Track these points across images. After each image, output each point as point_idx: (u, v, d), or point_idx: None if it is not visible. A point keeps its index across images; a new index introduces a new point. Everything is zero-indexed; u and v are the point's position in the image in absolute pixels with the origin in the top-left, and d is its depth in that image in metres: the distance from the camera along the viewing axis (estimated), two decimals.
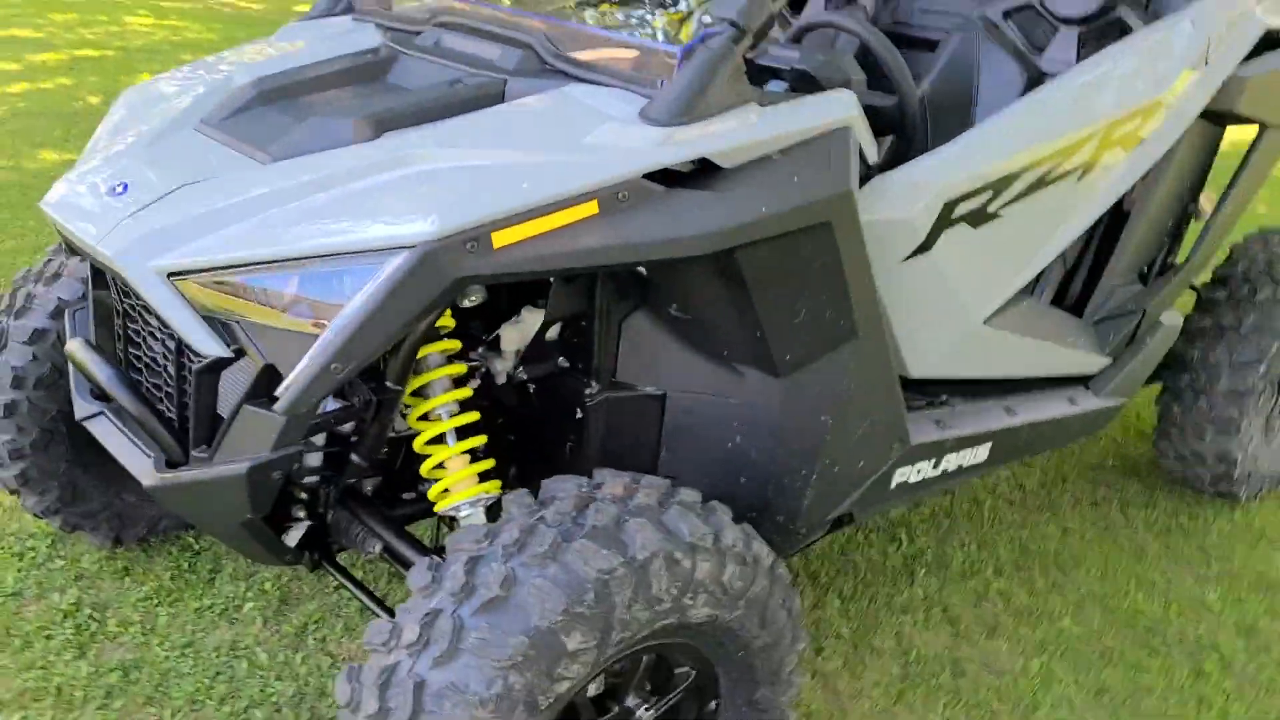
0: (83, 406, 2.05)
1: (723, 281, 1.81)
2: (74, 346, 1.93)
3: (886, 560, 2.91)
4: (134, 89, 2.22)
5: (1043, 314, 2.52)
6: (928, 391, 2.37)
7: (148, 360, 1.92)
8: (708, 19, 1.96)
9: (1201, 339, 3.10)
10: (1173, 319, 2.82)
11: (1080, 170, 2.23)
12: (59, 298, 2.34)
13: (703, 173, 1.71)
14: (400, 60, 2.12)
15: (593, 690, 1.71)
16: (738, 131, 1.71)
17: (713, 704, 1.84)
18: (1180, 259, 2.82)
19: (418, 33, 2.19)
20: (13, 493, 2.51)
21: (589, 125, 1.70)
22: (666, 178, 1.69)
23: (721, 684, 1.83)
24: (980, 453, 2.39)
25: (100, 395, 2.00)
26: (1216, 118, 2.57)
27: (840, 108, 1.83)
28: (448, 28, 2.15)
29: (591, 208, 1.61)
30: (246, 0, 11.88)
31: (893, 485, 2.22)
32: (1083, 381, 2.67)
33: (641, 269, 1.89)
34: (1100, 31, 2.64)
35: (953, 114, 2.78)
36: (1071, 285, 2.68)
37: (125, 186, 1.78)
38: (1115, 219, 2.63)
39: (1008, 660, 2.58)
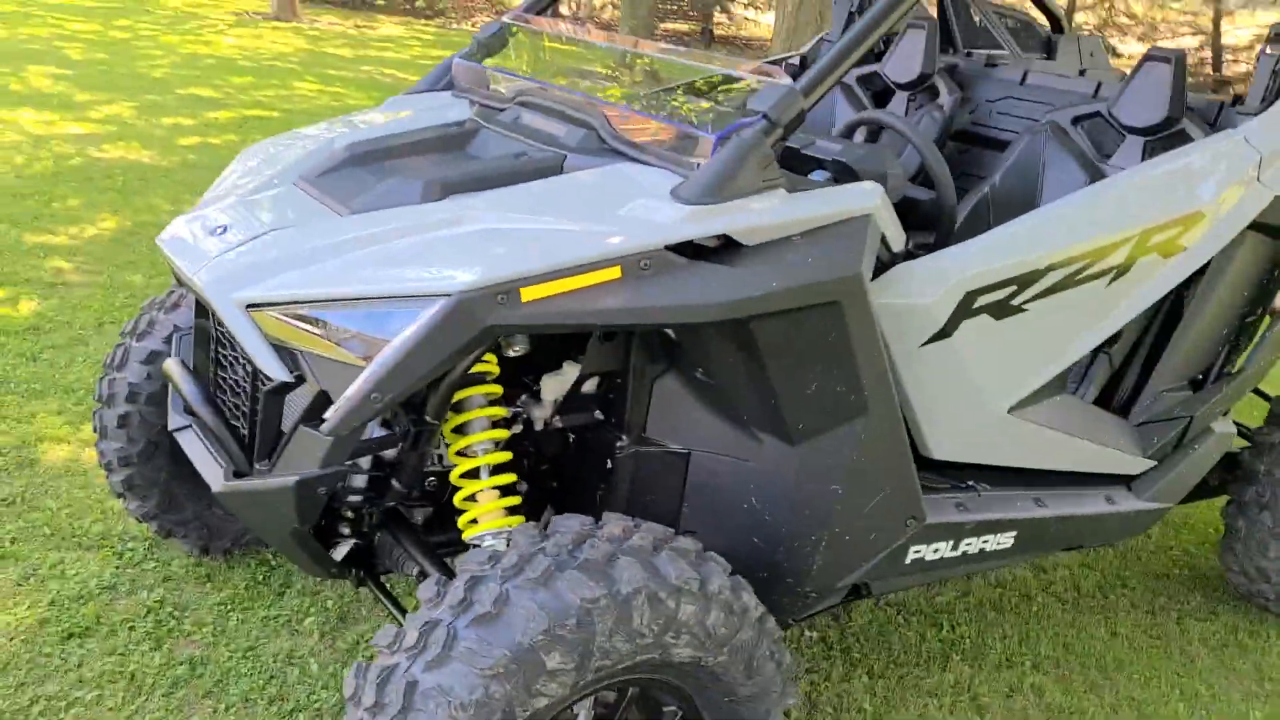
0: (175, 420, 2.31)
1: (740, 350, 1.95)
2: (170, 365, 2.21)
3: (924, 643, 2.95)
4: (253, 146, 2.53)
5: (1079, 410, 2.57)
6: (957, 476, 2.45)
7: (231, 383, 2.17)
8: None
9: (1270, 453, 3.08)
10: (1225, 427, 2.81)
11: (1114, 273, 2.31)
12: (175, 324, 2.64)
13: (726, 248, 1.88)
14: (481, 133, 2.36)
15: (584, 719, 1.84)
16: (760, 214, 1.87)
17: None
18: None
19: (502, 109, 2.43)
20: (118, 496, 2.80)
21: (625, 199, 1.90)
22: (695, 250, 1.86)
23: None
24: (1004, 540, 2.44)
25: (190, 411, 2.26)
26: (1276, 232, 2.60)
27: (862, 198, 1.97)
28: (527, 106, 2.38)
29: (615, 272, 1.79)
30: (405, 72, 12.68)
31: (908, 560, 2.30)
32: (1125, 482, 2.69)
33: (670, 333, 2.06)
34: (1166, 142, 2.71)
35: (1016, 210, 2.86)
36: (1121, 386, 2.72)
37: (224, 228, 2.04)
38: (1167, 323, 2.67)
39: None
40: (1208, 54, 21.70)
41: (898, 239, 2.08)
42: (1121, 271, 2.33)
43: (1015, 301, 2.21)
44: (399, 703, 1.61)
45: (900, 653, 2.90)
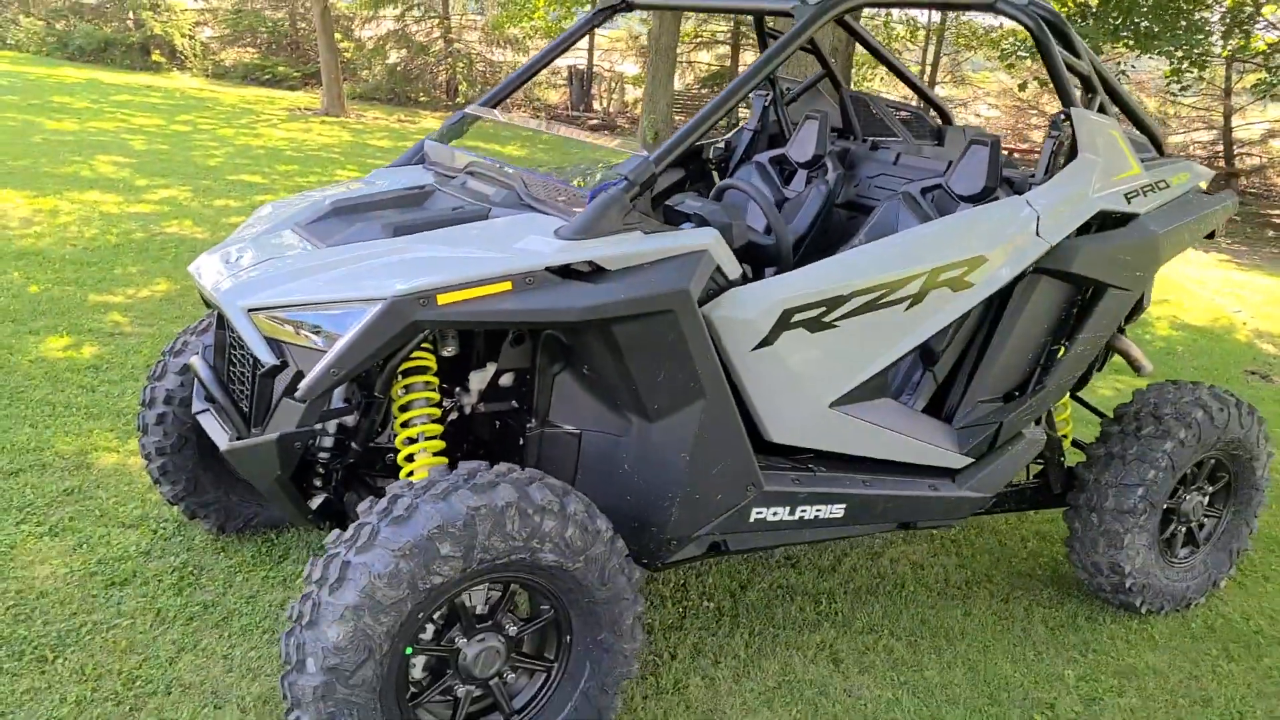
0: (197, 405, 3.06)
1: (610, 349, 2.67)
2: (194, 361, 2.98)
3: (802, 614, 3.58)
4: (267, 204, 3.31)
5: (902, 412, 3.24)
6: (803, 461, 3.12)
7: (238, 372, 2.92)
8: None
9: (1097, 464, 3.71)
10: (1035, 434, 3.46)
11: (910, 300, 3.00)
12: (205, 344, 3.41)
13: (597, 272, 2.61)
14: (435, 194, 3.13)
15: (480, 608, 2.52)
16: (617, 247, 2.60)
17: (568, 638, 2.61)
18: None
19: (453, 177, 3.21)
20: (155, 482, 3.54)
21: (522, 236, 2.64)
22: (570, 272, 2.59)
23: (574, 623, 2.60)
24: (836, 510, 3.10)
25: (209, 397, 3.01)
26: (1062, 276, 3.28)
27: (698, 239, 2.70)
28: (471, 174, 3.16)
29: (506, 285, 2.52)
30: None
31: (751, 519, 2.97)
32: (950, 475, 3.34)
33: (563, 338, 2.78)
34: None
35: None
36: (948, 398, 3.39)
37: (236, 258, 2.81)
38: (982, 348, 3.35)
39: (868, 691, 3.21)
40: (1221, 147, 22.38)
41: (733, 270, 2.80)
42: (917, 300, 3.02)
43: (826, 319, 2.91)
44: (336, 575, 2.31)
45: (780, 620, 3.54)
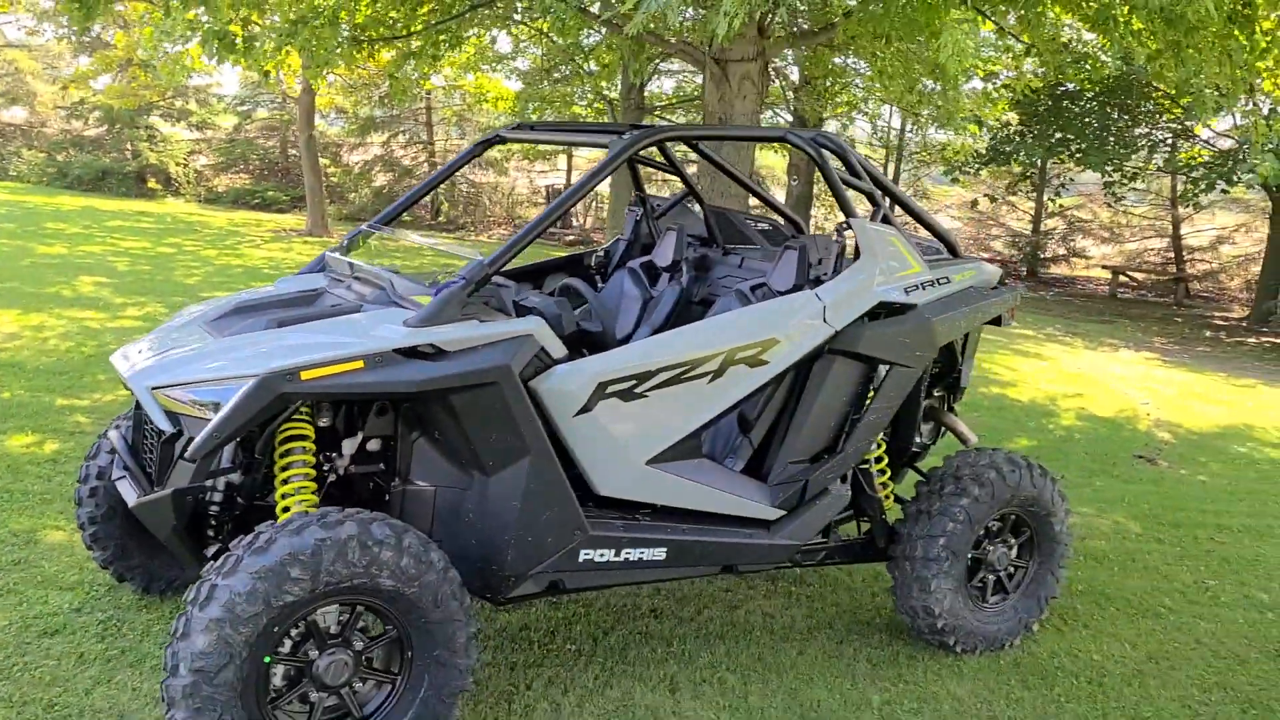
0: (115, 473, 3.65)
1: (451, 417, 3.27)
2: (111, 434, 3.58)
3: (653, 654, 4.09)
4: (187, 306, 3.95)
5: (718, 471, 3.83)
6: (630, 511, 3.69)
7: (148, 443, 3.52)
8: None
9: (910, 520, 4.28)
10: (840, 490, 4.04)
11: (711, 375, 3.62)
12: (126, 423, 4.00)
13: (440, 353, 3.22)
14: (324, 295, 3.78)
15: (333, 626, 3.06)
16: (454, 332, 3.23)
17: (409, 653, 3.14)
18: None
19: (342, 281, 3.86)
20: (88, 548, 4.10)
21: (379, 325, 3.27)
22: (416, 353, 3.20)
23: (414, 640, 3.13)
24: (658, 553, 3.66)
25: (125, 466, 3.59)
26: (852, 355, 3.90)
27: (524, 326, 3.33)
28: (356, 279, 3.81)
29: (359, 364, 3.14)
30: None
31: (581, 560, 3.52)
32: (766, 525, 3.91)
33: (417, 410, 3.38)
34: None
35: None
36: (765, 459, 3.97)
37: (147, 348, 3.44)
38: (790, 418, 3.94)
39: (694, 713, 3.71)
40: (1173, 254, 23.30)
41: (557, 350, 3.42)
42: (718, 374, 3.63)
43: (637, 390, 3.51)
44: (205, 594, 2.87)
45: (632, 659, 4.05)
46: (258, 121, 27.11)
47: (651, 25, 5.33)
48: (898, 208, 4.59)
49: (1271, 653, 4.66)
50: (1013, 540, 4.46)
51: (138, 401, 3.64)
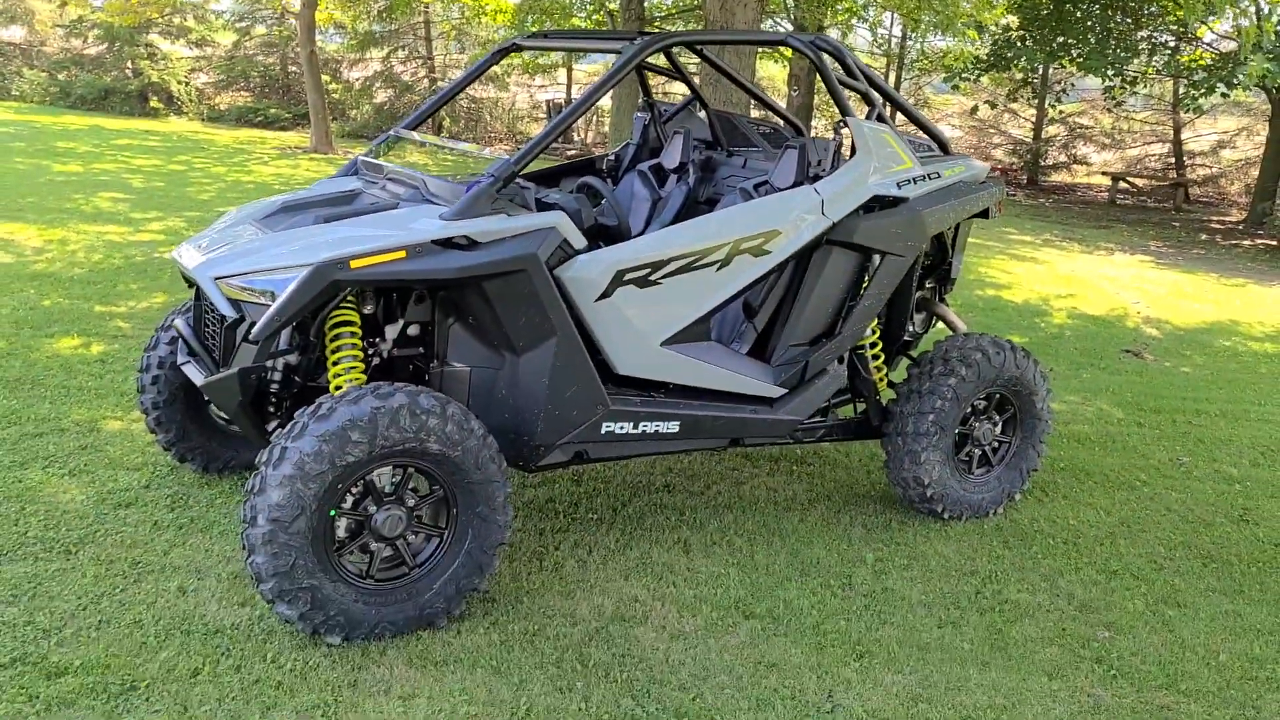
0: (181, 358, 4.03)
1: (484, 302, 3.63)
2: (177, 322, 3.95)
3: (668, 523, 4.51)
4: (236, 207, 4.29)
5: (725, 352, 4.20)
6: (647, 389, 4.07)
7: (210, 330, 3.88)
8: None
9: (902, 399, 4.66)
10: (838, 370, 4.41)
11: (718, 264, 3.96)
12: (186, 313, 4.36)
13: (470, 244, 3.57)
14: (361, 194, 4.10)
15: (387, 486, 3.46)
16: (485, 224, 3.57)
17: (454, 510, 3.55)
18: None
19: (375, 182, 4.19)
20: (151, 432, 4.50)
21: (416, 220, 3.61)
22: (452, 244, 3.54)
23: (458, 499, 3.54)
24: (672, 426, 4.05)
25: (190, 351, 3.96)
26: (848, 246, 4.24)
27: (549, 219, 3.67)
28: (390, 180, 4.13)
29: (401, 254, 3.48)
30: None
31: (603, 432, 3.91)
32: (769, 402, 4.29)
33: (454, 297, 3.73)
34: None
35: None
36: (768, 343, 4.34)
37: (205, 244, 3.79)
38: (792, 306, 4.30)
39: (705, 569, 4.13)
40: (1174, 159, 23.41)
41: (578, 241, 3.76)
42: (724, 263, 3.98)
43: (652, 278, 3.86)
44: (277, 456, 3.26)
45: (649, 525, 4.47)
46: (256, 39, 26.97)
47: None
48: (896, 109, 4.88)
49: (1235, 518, 5.08)
50: (997, 417, 4.84)
51: (198, 292, 4.00)
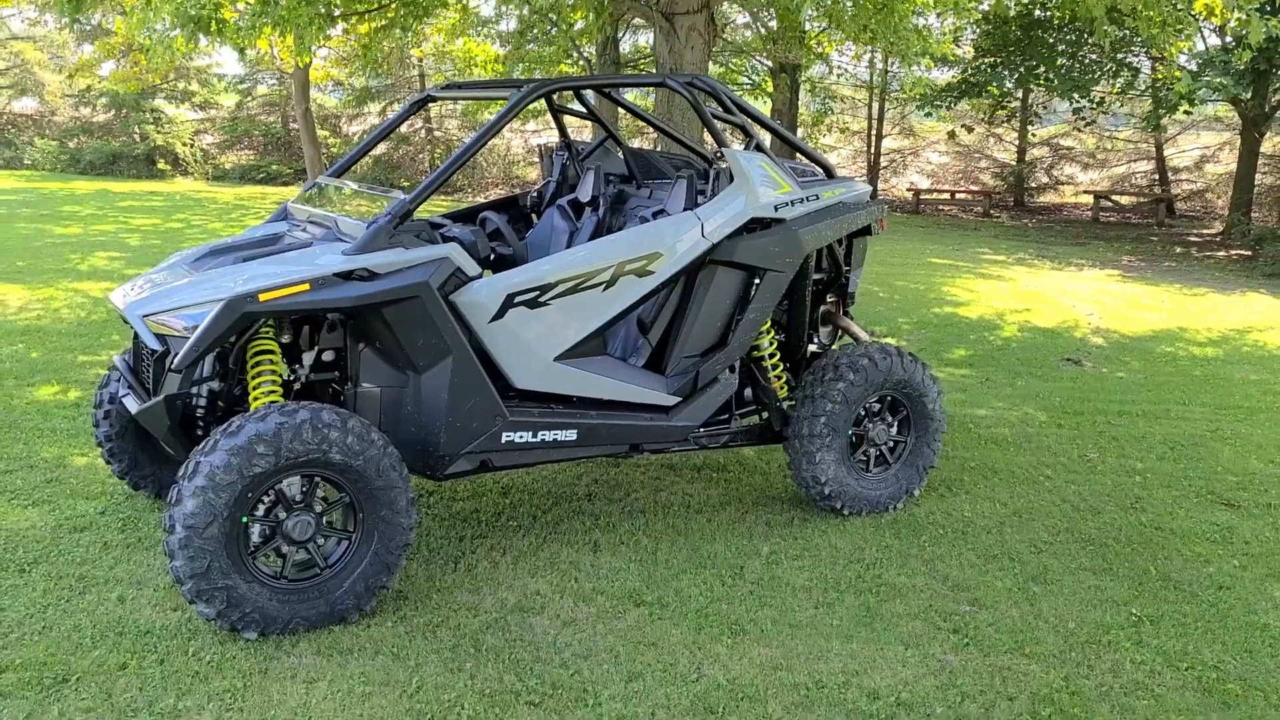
0: (121, 391, 4.45)
1: (385, 327, 4.04)
2: (114, 359, 4.37)
3: (583, 526, 4.87)
4: (177, 252, 4.72)
5: (619, 366, 4.58)
6: (548, 402, 4.45)
7: (145, 364, 4.31)
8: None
9: (798, 404, 5.03)
10: (728, 379, 4.78)
11: (604, 285, 4.35)
12: (126, 351, 4.78)
13: (371, 276, 3.98)
14: (284, 237, 4.53)
15: (297, 494, 3.84)
16: (383, 258, 3.99)
17: (360, 515, 3.93)
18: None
19: (299, 225, 4.62)
20: (106, 462, 4.91)
21: (321, 255, 4.03)
22: (353, 276, 3.96)
23: (363, 504, 3.92)
24: (570, 434, 4.42)
25: (128, 384, 4.39)
26: (730, 265, 4.63)
27: (442, 251, 4.08)
28: (311, 222, 4.56)
29: (306, 286, 3.90)
30: None
31: (503, 441, 4.29)
32: (665, 410, 4.66)
33: (361, 325, 4.14)
34: None
35: None
36: (663, 356, 4.72)
37: (138, 286, 4.22)
38: (682, 321, 4.68)
39: (608, 564, 4.48)
40: (1158, 175, 23.73)
41: (471, 269, 4.17)
42: (609, 284, 4.37)
43: (541, 299, 4.26)
44: (192, 469, 3.66)
45: (564, 530, 4.83)
46: (258, 99, 27.85)
47: None
48: (782, 141, 5.29)
49: (1126, 506, 5.40)
50: (891, 418, 5.19)
51: (135, 330, 4.43)
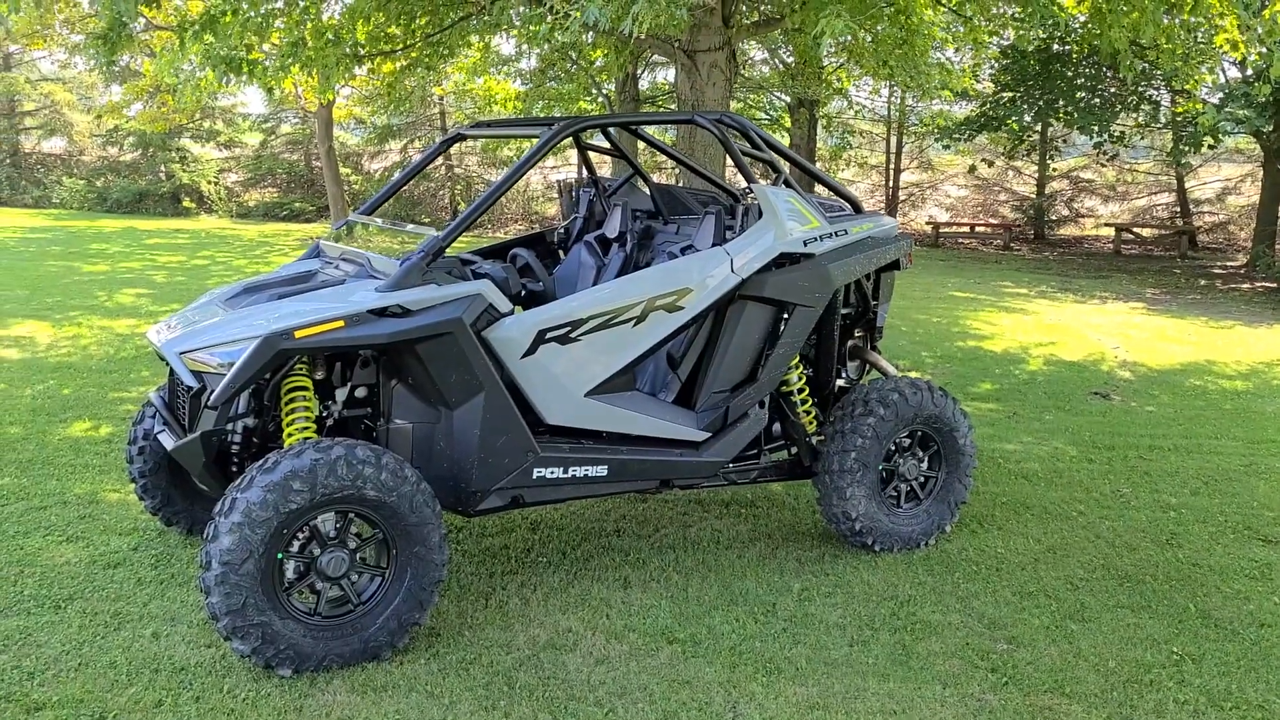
0: (157, 428, 4.48)
1: (418, 363, 4.06)
2: (150, 395, 4.40)
3: (612, 562, 4.86)
4: (210, 290, 4.77)
5: (650, 401, 4.58)
6: (578, 438, 4.46)
7: (180, 401, 4.34)
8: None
9: (828, 439, 5.01)
10: (758, 414, 4.78)
11: (634, 320, 4.37)
12: (161, 388, 4.82)
13: (404, 312, 4.01)
14: (317, 274, 4.57)
15: (331, 530, 3.85)
16: (416, 295, 4.01)
17: (394, 551, 3.93)
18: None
19: (331, 262, 4.66)
20: (139, 498, 4.94)
21: (355, 292, 4.06)
22: (387, 313, 3.98)
23: (397, 540, 3.92)
24: (600, 470, 4.42)
25: (164, 420, 4.42)
26: (760, 300, 4.64)
27: (475, 288, 4.11)
28: (343, 259, 4.61)
29: (340, 323, 3.93)
30: None
31: (534, 477, 4.29)
32: (695, 446, 4.66)
33: (394, 360, 4.16)
34: None
35: None
36: (693, 391, 4.72)
37: (175, 324, 4.26)
38: (712, 357, 4.69)
39: (639, 601, 4.46)
40: (1179, 207, 23.66)
41: (503, 306, 4.19)
42: (640, 320, 4.38)
43: (571, 335, 4.28)
44: (229, 505, 3.67)
45: (594, 566, 4.81)
46: (282, 137, 28.19)
47: (606, 24, 6.07)
48: (810, 176, 5.30)
49: (1161, 542, 5.34)
50: (921, 453, 5.17)
51: (171, 367, 4.47)
